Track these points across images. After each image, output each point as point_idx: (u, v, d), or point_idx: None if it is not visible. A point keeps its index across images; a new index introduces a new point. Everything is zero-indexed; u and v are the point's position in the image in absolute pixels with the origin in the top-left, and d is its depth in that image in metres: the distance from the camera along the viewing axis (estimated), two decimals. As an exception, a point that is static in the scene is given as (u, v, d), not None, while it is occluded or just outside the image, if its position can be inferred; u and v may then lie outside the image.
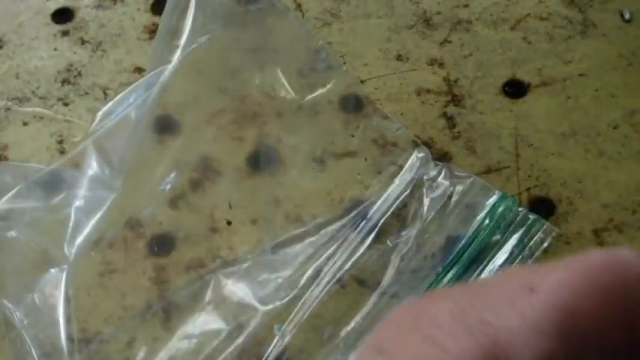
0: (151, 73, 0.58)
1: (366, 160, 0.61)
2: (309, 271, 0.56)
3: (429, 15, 0.71)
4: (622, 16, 0.70)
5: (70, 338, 0.54)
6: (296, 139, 0.63)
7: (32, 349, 0.52)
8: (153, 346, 0.54)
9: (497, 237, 0.55)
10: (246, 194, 0.60)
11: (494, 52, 0.68)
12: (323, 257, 0.56)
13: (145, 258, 0.58)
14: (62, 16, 0.73)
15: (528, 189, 0.60)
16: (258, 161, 0.62)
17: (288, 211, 0.59)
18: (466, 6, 0.71)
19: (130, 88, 0.59)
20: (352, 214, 0.58)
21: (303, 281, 0.56)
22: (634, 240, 0.57)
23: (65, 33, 0.72)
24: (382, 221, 0.57)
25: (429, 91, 0.65)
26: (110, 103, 0.58)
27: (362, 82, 0.66)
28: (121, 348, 0.54)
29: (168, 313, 0.55)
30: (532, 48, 0.68)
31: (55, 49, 0.70)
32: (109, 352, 0.54)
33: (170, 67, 0.57)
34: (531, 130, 0.63)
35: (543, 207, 0.59)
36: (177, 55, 0.59)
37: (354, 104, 0.65)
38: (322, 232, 0.58)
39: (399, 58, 0.68)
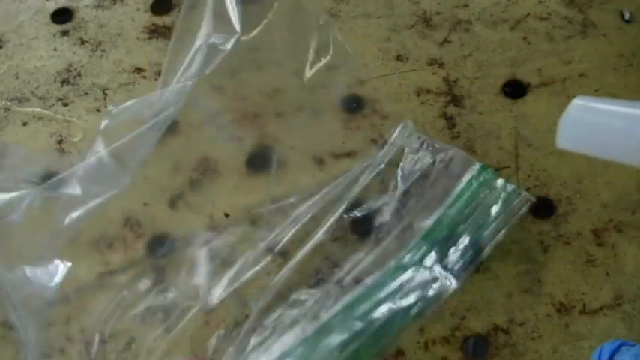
0: (170, 89, 0.56)
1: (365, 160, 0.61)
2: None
3: (428, 15, 0.71)
4: (622, 16, 0.69)
5: (69, 338, 0.54)
6: (296, 139, 0.63)
7: (32, 350, 0.52)
8: (153, 346, 0.54)
9: (472, 209, 0.57)
10: (246, 194, 0.60)
11: (494, 52, 0.68)
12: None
13: (145, 258, 0.58)
14: (62, 16, 0.73)
15: (528, 189, 0.60)
16: (258, 161, 0.62)
17: (288, 212, 0.59)
18: (466, 6, 0.71)
19: (146, 97, 0.57)
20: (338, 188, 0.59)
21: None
22: (633, 240, 0.57)
23: (65, 33, 0.72)
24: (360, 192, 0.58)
25: (428, 91, 0.65)
26: (124, 105, 0.57)
27: (362, 82, 0.66)
28: (121, 348, 0.54)
29: (168, 313, 0.55)
30: (532, 48, 0.68)
31: (55, 49, 0.70)
32: (109, 352, 0.54)
33: (189, 84, 0.56)
34: (531, 130, 0.63)
35: (543, 207, 0.59)
36: (194, 72, 0.57)
37: (354, 104, 0.65)
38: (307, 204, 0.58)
39: (398, 58, 0.68)
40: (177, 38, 0.58)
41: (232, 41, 0.56)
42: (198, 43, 0.57)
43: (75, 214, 0.54)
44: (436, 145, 0.60)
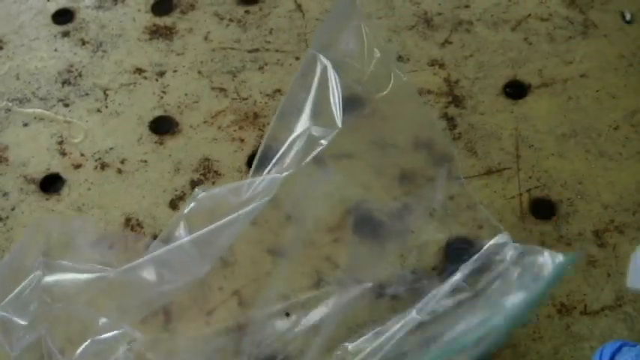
0: (260, 180, 0.55)
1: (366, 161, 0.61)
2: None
3: (429, 16, 0.71)
4: (623, 16, 0.69)
5: (70, 339, 0.54)
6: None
7: (33, 350, 0.52)
8: (153, 346, 0.54)
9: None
10: (247, 195, 0.60)
11: (495, 52, 0.68)
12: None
13: (146, 259, 0.58)
14: (63, 16, 0.73)
15: (529, 190, 0.60)
16: (259, 162, 0.62)
17: (289, 212, 0.59)
18: (467, 7, 0.71)
19: (234, 185, 0.56)
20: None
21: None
22: (634, 241, 0.57)
23: (66, 34, 0.72)
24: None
25: (429, 91, 0.65)
26: (211, 191, 0.55)
27: (362, 82, 0.66)
28: (121, 348, 0.54)
29: (169, 314, 0.55)
30: (533, 49, 0.68)
31: (56, 50, 0.70)
32: (109, 353, 0.54)
33: (281, 177, 0.55)
34: (532, 131, 0.63)
35: (544, 208, 0.59)
36: (289, 163, 0.56)
37: (354, 105, 0.65)
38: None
39: (399, 58, 0.68)
40: (275, 126, 0.57)
41: (331, 135, 0.56)
42: (298, 131, 0.56)
43: (148, 298, 0.53)
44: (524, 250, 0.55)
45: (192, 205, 0.53)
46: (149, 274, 0.51)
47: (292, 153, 0.55)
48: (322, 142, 0.55)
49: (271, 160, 0.56)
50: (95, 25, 0.72)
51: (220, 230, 0.51)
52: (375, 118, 0.61)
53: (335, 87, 0.57)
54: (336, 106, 0.56)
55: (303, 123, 0.56)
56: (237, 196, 0.53)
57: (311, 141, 0.56)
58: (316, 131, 0.56)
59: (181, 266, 0.52)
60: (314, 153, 0.55)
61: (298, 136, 0.56)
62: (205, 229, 0.51)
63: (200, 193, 0.53)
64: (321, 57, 0.57)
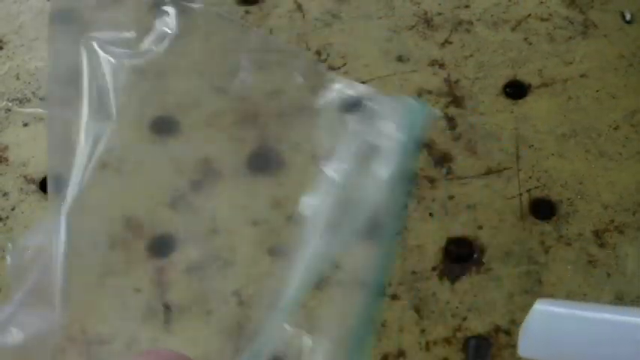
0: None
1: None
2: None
3: (429, 16, 0.71)
4: (623, 16, 0.69)
5: (69, 338, 0.54)
6: (297, 139, 0.63)
7: (32, 350, 0.52)
8: (153, 346, 0.54)
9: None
10: (247, 195, 0.60)
11: (495, 52, 0.68)
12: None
13: (145, 259, 0.58)
14: (63, 16, 0.73)
15: (529, 190, 0.60)
16: (259, 162, 0.62)
17: (289, 213, 0.59)
18: (467, 7, 0.71)
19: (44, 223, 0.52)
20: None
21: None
22: (635, 241, 0.57)
23: (66, 34, 0.72)
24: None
25: (429, 92, 0.65)
26: (25, 241, 0.51)
27: (362, 83, 0.66)
28: (121, 349, 0.54)
29: (168, 314, 0.55)
30: (533, 49, 0.68)
31: (56, 50, 0.70)
32: (109, 353, 0.54)
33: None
34: (532, 131, 0.63)
35: (544, 208, 0.59)
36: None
37: (354, 105, 0.65)
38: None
39: (399, 59, 0.68)
40: (54, 145, 0.50)
41: (107, 132, 0.50)
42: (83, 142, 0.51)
43: None
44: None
45: (10, 262, 0.50)
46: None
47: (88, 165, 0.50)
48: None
49: (67, 182, 0.51)
50: (95, 25, 0.72)
51: (45, 274, 0.49)
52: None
53: (108, 72, 0.50)
54: (113, 95, 0.50)
55: (85, 129, 0.49)
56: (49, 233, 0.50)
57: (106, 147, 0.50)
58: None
59: (34, 320, 0.49)
60: (95, 156, 0.50)
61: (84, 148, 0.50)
62: (32, 280, 0.49)
63: (11, 247, 0.50)
64: (85, 40, 0.49)
